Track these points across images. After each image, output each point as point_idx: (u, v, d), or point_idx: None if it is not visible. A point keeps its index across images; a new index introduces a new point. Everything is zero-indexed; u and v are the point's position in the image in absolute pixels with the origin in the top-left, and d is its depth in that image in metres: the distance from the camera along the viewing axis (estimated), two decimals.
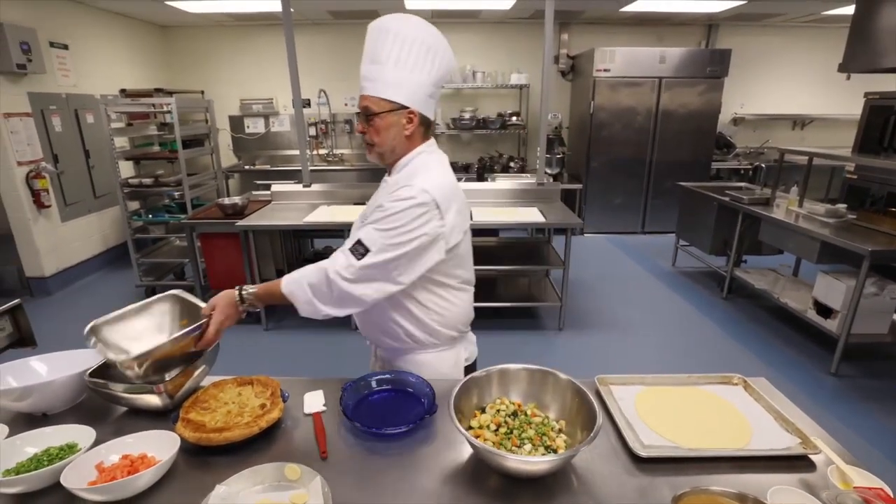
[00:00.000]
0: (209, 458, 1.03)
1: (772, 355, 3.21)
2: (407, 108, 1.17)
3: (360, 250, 1.14)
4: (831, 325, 2.99)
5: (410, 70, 1.16)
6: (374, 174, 5.99)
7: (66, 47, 4.32)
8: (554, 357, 3.24)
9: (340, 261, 1.15)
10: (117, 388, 1.10)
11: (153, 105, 4.08)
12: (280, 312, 3.88)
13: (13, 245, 4.00)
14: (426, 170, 1.22)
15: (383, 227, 1.13)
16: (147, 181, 3.99)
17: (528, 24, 5.85)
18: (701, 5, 5.10)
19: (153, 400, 1.10)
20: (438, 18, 5.80)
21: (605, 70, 5.42)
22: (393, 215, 1.12)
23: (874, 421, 2.54)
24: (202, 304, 1.26)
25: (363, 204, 4.04)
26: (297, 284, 1.20)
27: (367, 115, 1.18)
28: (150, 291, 4.15)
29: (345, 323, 3.57)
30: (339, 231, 3.37)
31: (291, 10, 3.58)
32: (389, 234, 1.12)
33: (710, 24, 6.07)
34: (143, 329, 1.25)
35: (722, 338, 3.47)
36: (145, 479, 0.93)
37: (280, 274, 4.02)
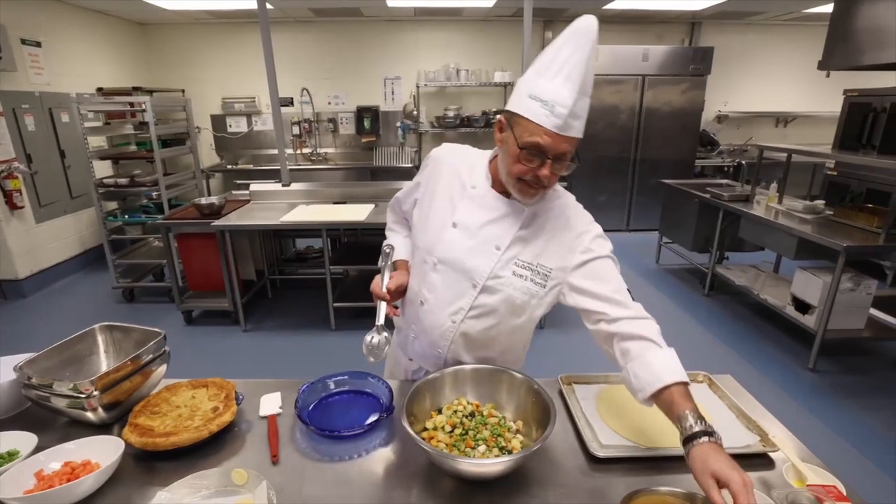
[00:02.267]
0: (157, 463, 1.00)
1: (751, 351, 3.22)
2: None
3: (631, 295, 1.09)
4: (809, 320, 3.01)
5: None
6: (359, 173, 5.95)
7: (38, 45, 4.22)
8: (533, 355, 3.19)
9: (645, 313, 1.08)
10: (59, 403, 1.06)
11: (130, 104, 4.00)
12: (259, 313, 3.83)
13: None
14: (561, 192, 1.14)
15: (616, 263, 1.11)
16: (122, 181, 3.92)
17: (511, 22, 5.84)
18: (683, 3, 5.11)
19: (88, 415, 1.06)
20: (421, 16, 5.77)
21: None
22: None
23: (850, 416, 2.55)
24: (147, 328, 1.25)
25: (343, 203, 3.97)
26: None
27: (562, 160, 0.97)
28: (128, 293, 4.08)
29: (323, 324, 3.54)
30: (317, 231, 3.33)
31: (270, 6, 3.55)
32: None
33: (692, 21, 6.10)
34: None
35: (702, 334, 3.48)
36: (84, 486, 0.89)
37: (260, 275, 3.99)
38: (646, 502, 0.82)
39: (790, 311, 3.18)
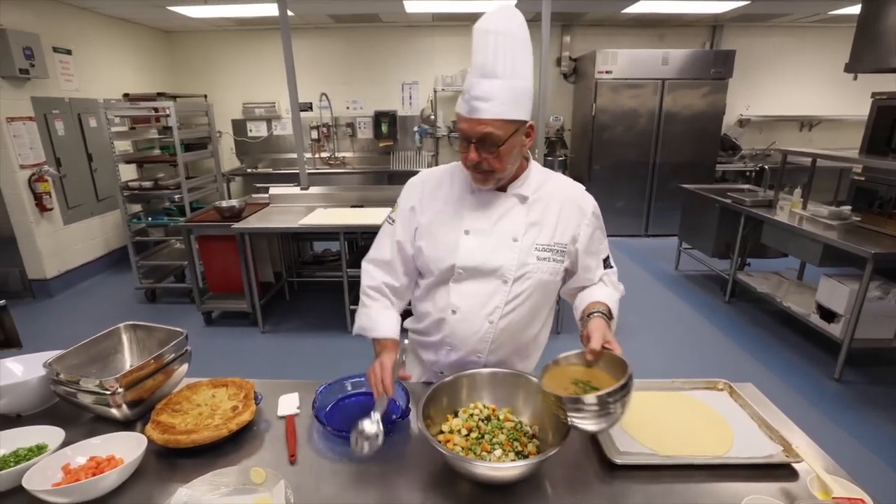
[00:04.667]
0: (178, 460, 1.02)
1: (774, 360, 3.14)
2: (527, 122, 1.05)
3: (609, 261, 1.24)
4: (835, 329, 2.93)
5: (523, 77, 1.02)
6: (376, 177, 6.00)
7: (69, 52, 4.37)
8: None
9: (614, 278, 1.24)
10: (85, 399, 1.09)
11: (154, 109, 4.11)
12: (277, 315, 3.88)
13: (16, 247, 4.04)
14: (545, 172, 1.21)
15: (604, 231, 1.22)
16: (146, 184, 4.02)
17: (529, 27, 5.79)
18: (704, 6, 5.05)
19: (113, 412, 1.09)
20: (439, 22, 5.81)
21: (607, 72, 5.38)
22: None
23: (877, 428, 2.47)
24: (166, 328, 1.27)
25: (360, 207, 4.01)
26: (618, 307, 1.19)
27: (487, 143, 1.01)
28: (150, 294, 4.17)
29: (340, 326, 3.56)
30: (335, 234, 3.36)
31: (291, 13, 3.61)
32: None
33: (714, 25, 6.02)
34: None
35: (724, 342, 3.41)
36: (109, 480, 0.91)
37: (278, 277, 4.04)
38: (555, 376, 0.97)
39: (815, 319, 3.10)
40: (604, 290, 1.19)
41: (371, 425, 0.95)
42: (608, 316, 1.09)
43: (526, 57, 1.03)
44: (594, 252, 1.19)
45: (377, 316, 1.19)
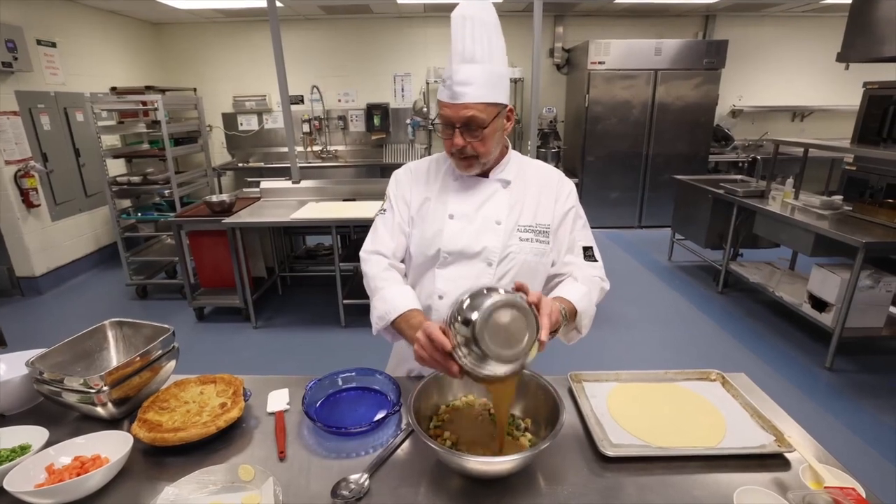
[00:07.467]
0: (165, 458, 1.00)
1: (766, 350, 3.16)
2: (506, 105, 1.09)
3: (591, 252, 1.22)
4: (826, 318, 2.94)
5: (500, 62, 1.06)
6: (369, 171, 5.95)
7: (53, 45, 4.29)
8: (545, 353, 3.19)
9: (596, 272, 1.20)
10: (70, 398, 1.07)
11: (142, 103, 4.04)
12: (270, 310, 3.86)
13: (3, 244, 3.98)
14: (524, 158, 1.25)
15: (584, 220, 1.25)
16: (135, 179, 3.96)
17: (522, 17, 5.79)
18: None
19: (98, 410, 1.07)
20: (431, 12, 5.75)
21: (599, 63, 5.36)
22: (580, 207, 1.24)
23: (868, 416, 2.50)
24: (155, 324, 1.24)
25: (353, 200, 3.97)
26: (589, 302, 1.12)
27: (472, 126, 1.05)
28: (141, 290, 4.13)
29: (333, 321, 3.55)
30: (327, 228, 3.34)
31: (280, 4, 3.55)
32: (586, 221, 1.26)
33: (706, 14, 6.00)
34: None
35: (716, 333, 3.42)
36: (94, 480, 0.90)
37: (270, 272, 4.01)
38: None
39: (806, 308, 3.12)
40: (570, 286, 1.12)
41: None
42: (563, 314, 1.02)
43: (499, 42, 1.07)
44: (565, 230, 1.20)
45: (392, 295, 1.10)
